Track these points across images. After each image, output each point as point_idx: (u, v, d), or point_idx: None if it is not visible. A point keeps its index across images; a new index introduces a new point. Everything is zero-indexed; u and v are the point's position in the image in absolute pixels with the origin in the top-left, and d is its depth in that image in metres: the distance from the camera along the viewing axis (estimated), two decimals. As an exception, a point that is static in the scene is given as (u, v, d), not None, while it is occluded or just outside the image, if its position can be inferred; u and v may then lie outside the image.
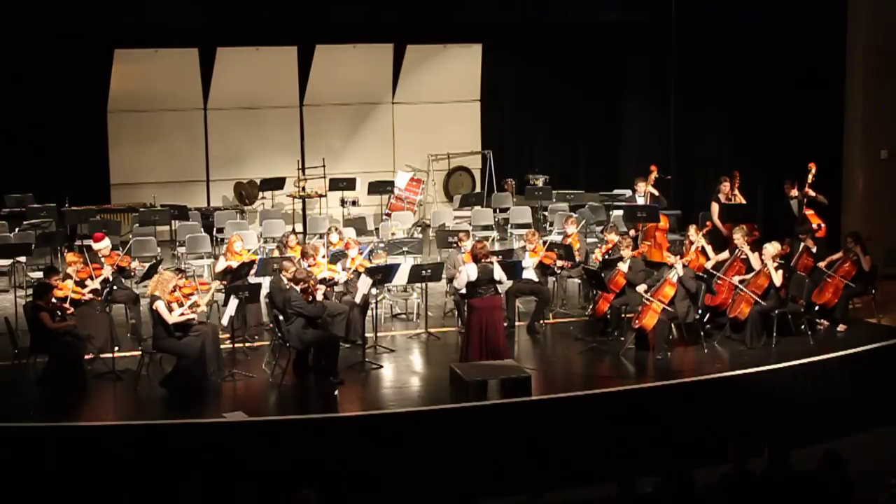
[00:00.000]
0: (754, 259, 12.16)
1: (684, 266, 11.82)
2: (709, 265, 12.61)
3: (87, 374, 11.05)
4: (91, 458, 8.96)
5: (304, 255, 12.21)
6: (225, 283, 12.19)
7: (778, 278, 11.87)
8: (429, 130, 19.35)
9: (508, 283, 11.29)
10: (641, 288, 11.81)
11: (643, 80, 19.14)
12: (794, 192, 13.93)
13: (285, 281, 10.95)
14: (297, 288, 10.87)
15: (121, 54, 17.55)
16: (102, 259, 12.24)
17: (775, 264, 11.93)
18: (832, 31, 15.46)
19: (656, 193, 14.93)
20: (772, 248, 12.03)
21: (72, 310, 11.29)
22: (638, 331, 11.72)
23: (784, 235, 13.30)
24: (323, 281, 11.77)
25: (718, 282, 12.29)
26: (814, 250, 12.95)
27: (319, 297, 11.19)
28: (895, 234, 14.54)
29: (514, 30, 18.93)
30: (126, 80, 17.76)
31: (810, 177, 13.79)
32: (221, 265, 12.58)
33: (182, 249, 15.13)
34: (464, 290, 11.27)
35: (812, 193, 13.80)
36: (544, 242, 13.14)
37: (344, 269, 12.29)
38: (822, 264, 12.77)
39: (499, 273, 11.00)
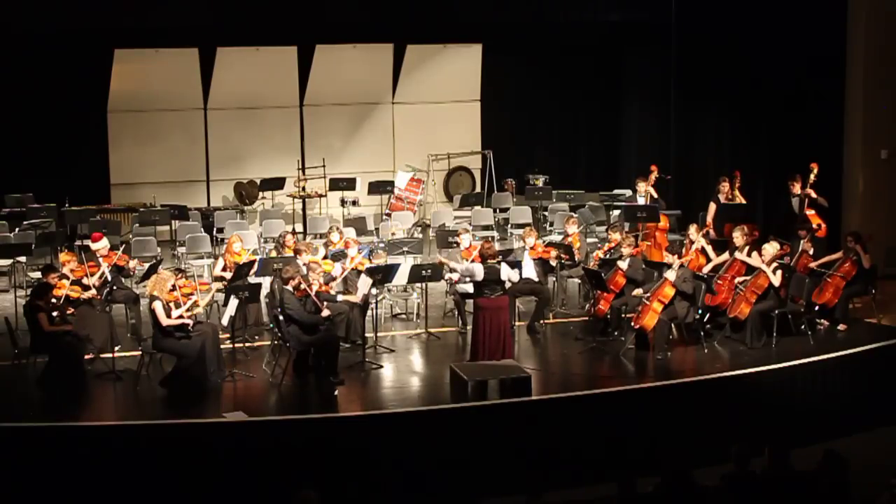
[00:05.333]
0: (754, 260, 12.15)
1: (682, 266, 11.80)
2: (706, 269, 12.62)
3: (87, 374, 11.06)
4: (91, 458, 8.96)
5: (296, 252, 12.22)
6: (225, 283, 12.19)
7: (777, 279, 11.87)
8: (429, 130, 19.36)
9: (517, 277, 11.30)
10: (638, 291, 11.82)
11: (643, 80, 19.15)
12: (797, 190, 13.92)
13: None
14: (290, 287, 10.87)
15: (121, 54, 17.55)
16: (100, 259, 12.24)
17: (775, 265, 11.93)
18: (832, 31, 15.46)
19: (655, 195, 14.93)
20: (771, 248, 12.03)
21: (72, 310, 11.29)
22: (638, 331, 11.72)
23: (786, 235, 13.31)
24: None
25: (718, 282, 12.30)
26: (810, 252, 12.95)
27: (316, 289, 11.17)
28: (895, 234, 14.54)
29: (514, 30, 18.93)
30: (126, 80, 17.76)
31: (812, 177, 13.79)
32: (221, 265, 12.59)
33: (182, 249, 15.13)
34: (469, 289, 11.33)
35: (813, 195, 13.80)
36: (543, 242, 13.17)
37: (343, 268, 12.26)
38: (814, 264, 12.76)
39: (506, 273, 10.99)
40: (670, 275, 11.67)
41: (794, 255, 12.83)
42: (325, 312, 11.00)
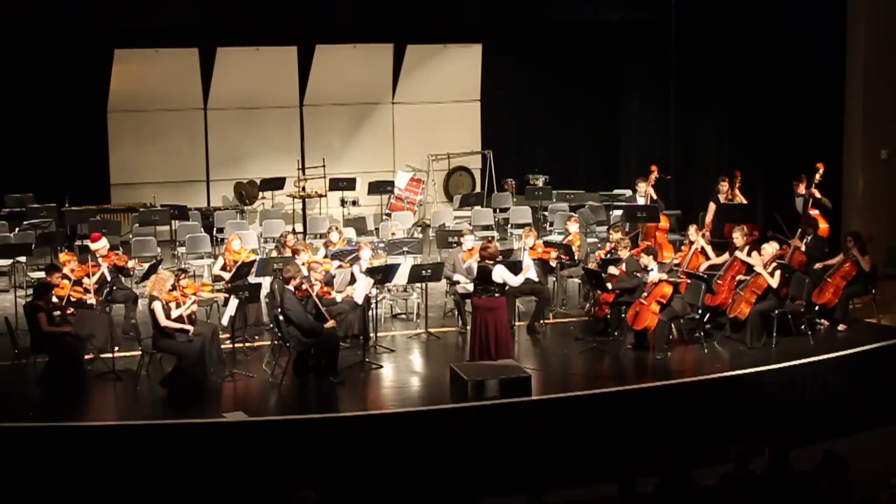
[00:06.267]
0: (754, 260, 12.15)
1: (672, 269, 11.82)
2: (703, 267, 12.62)
3: (87, 374, 11.06)
4: (91, 458, 8.96)
5: (294, 252, 12.23)
6: (225, 283, 12.18)
7: (775, 280, 11.87)
8: (429, 130, 19.36)
9: (516, 283, 11.27)
10: (654, 276, 11.69)
11: (643, 80, 19.15)
12: (802, 189, 13.92)
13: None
14: (291, 287, 10.87)
15: (121, 54, 17.55)
16: (100, 259, 12.25)
17: (773, 265, 11.93)
18: (832, 31, 15.46)
19: (654, 197, 14.91)
20: (770, 248, 12.04)
21: (72, 310, 11.29)
22: (638, 331, 11.72)
23: (785, 235, 13.33)
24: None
25: (718, 282, 12.30)
26: (802, 248, 12.97)
27: (318, 290, 11.18)
28: (895, 234, 14.53)
29: (514, 30, 18.94)
30: (126, 80, 17.76)
31: (817, 176, 13.79)
32: (220, 264, 12.58)
33: (182, 249, 15.13)
34: (470, 289, 11.42)
35: (818, 195, 13.79)
36: (545, 244, 13.17)
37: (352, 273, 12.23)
38: (818, 265, 12.76)
39: (500, 275, 10.93)
40: (655, 275, 11.65)
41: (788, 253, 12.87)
42: (330, 324, 11.00)
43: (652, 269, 11.75)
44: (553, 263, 12.99)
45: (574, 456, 9.57)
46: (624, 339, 11.94)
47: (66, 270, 11.69)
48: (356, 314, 11.85)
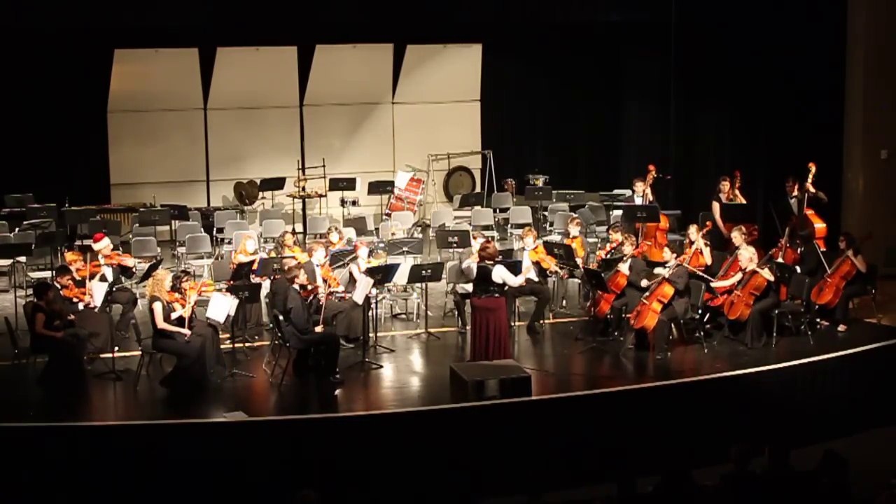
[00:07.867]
0: (742, 258, 12.24)
1: (679, 265, 11.81)
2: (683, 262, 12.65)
3: (87, 374, 11.06)
4: (91, 458, 8.96)
5: (309, 252, 12.25)
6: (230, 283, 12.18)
7: (769, 274, 11.88)
8: (429, 130, 19.36)
9: (516, 283, 11.28)
10: (645, 283, 11.78)
11: (643, 80, 19.13)
12: (796, 192, 13.94)
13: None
14: (296, 286, 10.88)
15: (121, 54, 17.55)
16: (102, 259, 12.26)
17: (753, 266, 11.93)
18: (832, 30, 15.47)
19: (651, 198, 14.88)
20: (747, 252, 12.09)
21: (73, 316, 11.28)
22: (638, 331, 11.72)
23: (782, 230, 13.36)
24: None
25: (720, 282, 12.29)
26: (798, 250, 13.04)
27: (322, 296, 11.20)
28: (895, 234, 14.53)
29: (514, 30, 18.93)
30: (126, 80, 17.76)
31: (810, 176, 13.80)
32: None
33: (182, 249, 15.13)
34: (469, 289, 11.44)
35: (812, 190, 13.80)
36: (545, 244, 13.16)
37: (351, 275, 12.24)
38: (828, 274, 12.77)
39: (499, 275, 10.94)
40: (665, 272, 11.68)
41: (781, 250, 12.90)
42: (319, 329, 11.02)
43: (669, 266, 11.75)
44: (549, 273, 12.98)
45: (574, 456, 9.57)
46: (624, 339, 11.95)
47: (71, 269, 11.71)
48: (356, 314, 11.85)
